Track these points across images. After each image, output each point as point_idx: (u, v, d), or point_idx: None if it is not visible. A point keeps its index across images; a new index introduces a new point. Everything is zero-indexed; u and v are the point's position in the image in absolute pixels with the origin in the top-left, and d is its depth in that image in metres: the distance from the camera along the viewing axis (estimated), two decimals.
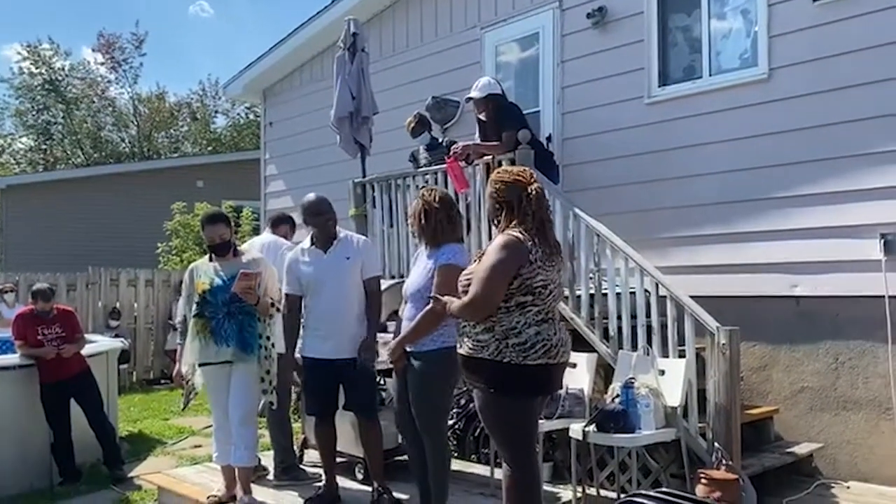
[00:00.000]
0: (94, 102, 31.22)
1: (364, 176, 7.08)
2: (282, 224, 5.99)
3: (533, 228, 3.42)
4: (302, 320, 4.88)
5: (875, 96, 5.26)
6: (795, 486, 5.02)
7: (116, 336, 9.54)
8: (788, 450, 5.35)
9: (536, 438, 3.63)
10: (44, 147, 30.92)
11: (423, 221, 4.19)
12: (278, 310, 4.92)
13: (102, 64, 30.83)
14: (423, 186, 5.58)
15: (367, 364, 4.66)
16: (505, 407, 3.44)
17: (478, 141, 6.35)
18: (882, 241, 5.16)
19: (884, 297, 5.12)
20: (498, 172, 3.69)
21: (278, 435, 5.50)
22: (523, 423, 3.50)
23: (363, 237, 5.30)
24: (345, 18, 7.26)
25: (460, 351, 3.55)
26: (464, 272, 3.61)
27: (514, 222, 3.44)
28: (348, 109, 6.88)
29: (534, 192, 3.47)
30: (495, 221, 3.59)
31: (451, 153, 6.08)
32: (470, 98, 6.36)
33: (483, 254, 3.52)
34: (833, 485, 5.13)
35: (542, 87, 7.28)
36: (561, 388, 3.86)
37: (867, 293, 5.24)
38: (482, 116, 6.33)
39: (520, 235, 3.39)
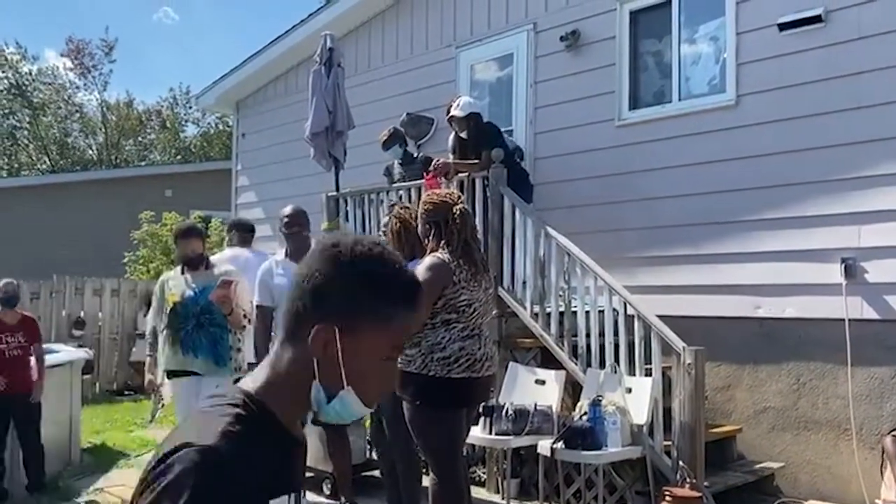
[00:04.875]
0: (60, 108, 30.81)
1: (337, 189, 7.10)
2: (249, 232, 6.05)
3: (458, 249, 3.62)
4: (272, 333, 4.88)
5: (839, 125, 5.41)
6: None
7: (80, 346, 9.39)
8: (751, 468, 5.46)
9: (462, 449, 3.81)
10: (8, 152, 30.41)
11: (401, 239, 4.22)
12: (250, 321, 4.92)
13: (71, 69, 30.51)
14: (397, 203, 5.63)
15: None
16: (430, 419, 3.61)
17: (451, 158, 6.42)
18: (843, 265, 5.30)
19: (844, 320, 5.26)
20: (427, 195, 3.95)
21: None
22: (447, 435, 3.64)
23: None
24: (321, 33, 7.30)
25: None
26: None
27: (441, 243, 3.64)
28: (324, 123, 6.91)
29: (458, 213, 3.67)
30: (425, 242, 3.78)
31: (433, 168, 6.13)
32: (452, 117, 6.38)
33: None
34: None
35: (515, 106, 7.37)
36: (487, 400, 4.01)
37: (828, 316, 5.37)
38: (464, 135, 6.36)
39: (445, 257, 3.59)
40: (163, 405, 5.16)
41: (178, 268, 5.00)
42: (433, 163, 6.18)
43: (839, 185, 5.40)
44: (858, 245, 5.29)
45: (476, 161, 6.07)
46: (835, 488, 5.35)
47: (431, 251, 3.69)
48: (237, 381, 4.43)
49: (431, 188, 6.03)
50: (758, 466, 5.50)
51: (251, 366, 4.95)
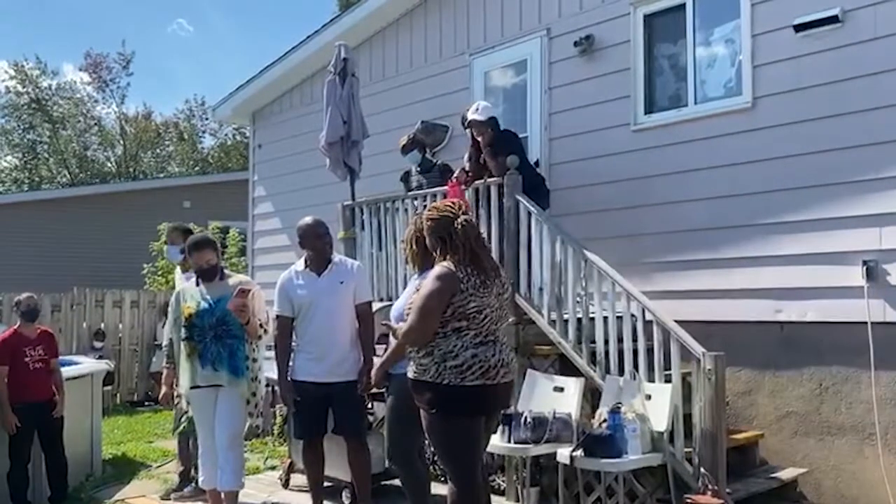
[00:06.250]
0: (79, 122, 31.17)
1: (353, 199, 7.12)
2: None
3: (465, 258, 3.66)
4: (293, 343, 4.89)
5: (857, 125, 5.35)
6: None
7: (101, 357, 9.46)
8: (773, 475, 5.38)
9: (481, 457, 3.81)
10: (29, 166, 30.79)
11: (414, 247, 4.25)
12: (266, 331, 4.93)
13: (89, 83, 30.87)
14: (419, 212, 5.63)
15: (367, 390, 4.69)
16: (447, 427, 3.64)
17: (467, 167, 6.41)
18: (864, 267, 5.23)
19: (866, 323, 5.19)
20: (429, 209, 3.98)
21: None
22: (465, 443, 3.67)
23: (356, 261, 5.35)
24: (335, 43, 7.32)
25: (408, 374, 3.76)
26: (407, 301, 3.86)
27: (448, 254, 3.68)
28: (339, 133, 6.93)
29: (461, 225, 3.70)
30: (434, 254, 3.83)
31: (455, 177, 6.13)
32: (471, 121, 6.33)
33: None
34: None
35: (529, 112, 7.35)
36: (506, 407, 4.07)
37: (850, 319, 5.30)
38: (482, 139, 6.32)
39: (452, 266, 3.63)
40: (187, 416, 5.19)
41: (193, 279, 5.01)
42: (457, 171, 6.16)
43: (859, 187, 5.34)
44: (880, 247, 5.23)
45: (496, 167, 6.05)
46: (859, 494, 5.28)
47: (439, 262, 3.74)
48: (254, 393, 4.45)
49: (455, 196, 6.04)
50: (781, 472, 5.43)
51: (270, 380, 4.96)
